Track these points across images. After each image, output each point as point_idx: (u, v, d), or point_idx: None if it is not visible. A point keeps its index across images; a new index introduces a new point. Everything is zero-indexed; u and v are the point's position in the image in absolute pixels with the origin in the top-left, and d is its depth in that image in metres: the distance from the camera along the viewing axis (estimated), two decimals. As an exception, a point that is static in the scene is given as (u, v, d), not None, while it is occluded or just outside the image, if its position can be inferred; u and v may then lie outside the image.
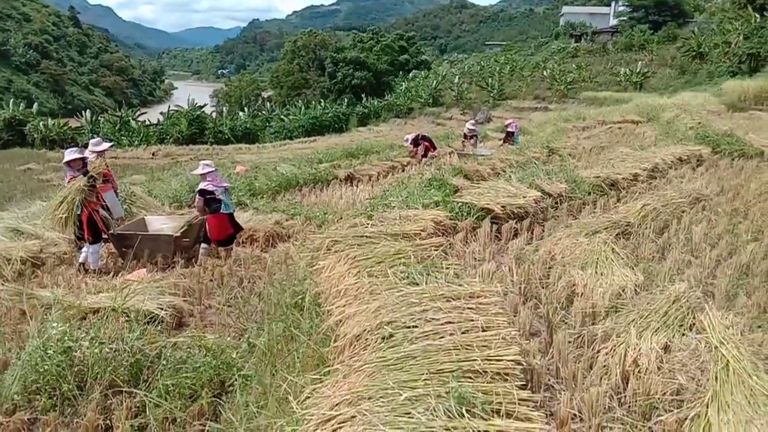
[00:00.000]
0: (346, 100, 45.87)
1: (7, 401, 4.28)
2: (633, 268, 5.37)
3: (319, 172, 13.48)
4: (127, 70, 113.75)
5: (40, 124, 33.72)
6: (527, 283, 5.37)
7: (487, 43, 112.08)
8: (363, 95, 48.97)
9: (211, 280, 6.92)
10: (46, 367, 4.31)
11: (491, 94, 41.63)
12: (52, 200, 7.79)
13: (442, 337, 3.41)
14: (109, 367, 4.41)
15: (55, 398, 4.30)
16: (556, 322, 4.60)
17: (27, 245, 7.89)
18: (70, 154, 7.76)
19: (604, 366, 3.94)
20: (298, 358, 4.04)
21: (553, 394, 3.74)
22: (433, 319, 3.57)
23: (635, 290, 4.92)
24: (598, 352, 4.10)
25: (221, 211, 7.70)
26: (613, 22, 61.32)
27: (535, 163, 10.60)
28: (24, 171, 21.46)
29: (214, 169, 7.80)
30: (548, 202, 8.00)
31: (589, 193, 8.72)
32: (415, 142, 16.07)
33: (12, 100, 39.87)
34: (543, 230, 7.11)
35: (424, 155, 15.70)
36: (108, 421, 4.12)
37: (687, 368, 3.62)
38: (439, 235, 5.92)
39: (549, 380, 3.88)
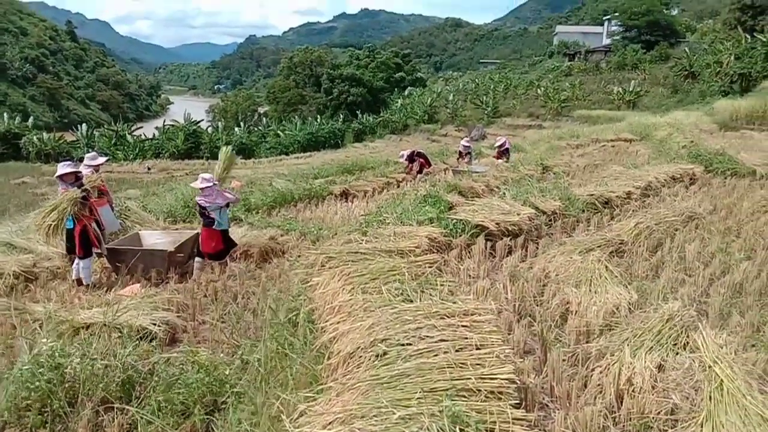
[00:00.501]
0: (341, 116, 46.13)
1: (-2, 417, 4.22)
2: (627, 287, 5.38)
3: (315, 188, 13.47)
4: (124, 84, 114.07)
5: (36, 137, 33.71)
6: (521, 300, 5.36)
7: (481, 61, 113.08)
8: (359, 112, 49.24)
9: (205, 296, 6.88)
10: (36, 383, 4.26)
11: (486, 112, 41.93)
12: (42, 209, 7.72)
13: (436, 355, 3.40)
14: (101, 383, 4.36)
15: (45, 415, 4.24)
16: (550, 340, 4.59)
17: (20, 259, 7.85)
18: (63, 167, 7.72)
19: (599, 385, 3.93)
20: (291, 375, 4.01)
21: (548, 413, 3.73)
22: (427, 336, 3.55)
23: (629, 308, 4.92)
24: (593, 370, 4.09)
25: (214, 227, 7.69)
26: (606, 41, 62.03)
27: (530, 181, 10.66)
28: (19, 184, 21.40)
29: (212, 184, 7.75)
30: (542, 220, 8.02)
31: (583, 211, 8.75)
32: (410, 158, 16.14)
33: (7, 113, 39.91)
34: (537, 247, 7.12)
35: (419, 171, 15.76)
36: (99, 438, 4.08)
37: (681, 387, 3.62)
38: (433, 252, 5.92)
39: (543, 399, 3.86)
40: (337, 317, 4.33)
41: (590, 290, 5.31)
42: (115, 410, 4.24)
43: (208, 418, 4.12)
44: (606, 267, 5.76)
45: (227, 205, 7.91)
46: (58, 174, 7.69)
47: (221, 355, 4.91)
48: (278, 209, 12.01)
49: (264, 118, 50.76)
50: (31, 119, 39.80)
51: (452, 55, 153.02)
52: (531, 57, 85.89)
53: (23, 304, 6.39)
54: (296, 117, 46.46)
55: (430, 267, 5.10)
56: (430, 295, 4.29)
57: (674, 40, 50.62)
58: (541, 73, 55.74)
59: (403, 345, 3.50)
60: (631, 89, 37.82)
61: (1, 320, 6.09)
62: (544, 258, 6.39)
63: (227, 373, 4.43)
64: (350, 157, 23.49)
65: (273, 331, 4.79)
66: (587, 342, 4.56)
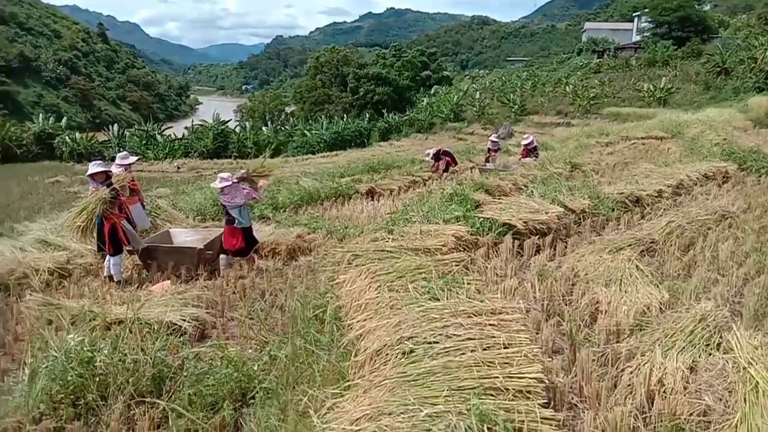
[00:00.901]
0: (367, 115, 46.13)
1: (34, 410, 4.33)
2: (658, 286, 5.29)
3: (341, 187, 13.52)
4: (154, 85, 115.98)
5: (69, 137, 34.46)
6: (550, 299, 5.31)
7: (508, 59, 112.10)
8: (384, 111, 49.20)
9: (234, 293, 6.97)
10: (69, 377, 4.36)
11: (513, 110, 41.55)
12: (72, 209, 7.91)
13: (463, 354, 3.38)
14: (132, 377, 4.45)
15: (79, 407, 4.35)
16: (579, 339, 4.54)
17: (55, 256, 8.04)
18: (94, 167, 7.89)
19: (629, 385, 3.87)
20: (318, 372, 4.04)
21: (576, 413, 3.68)
22: (454, 335, 3.54)
23: (660, 308, 4.84)
24: (623, 370, 4.03)
25: (235, 224, 7.77)
26: (635, 38, 60.97)
27: (558, 179, 10.53)
28: (52, 183, 21.89)
29: (230, 183, 7.77)
30: (571, 218, 7.92)
31: (613, 210, 8.62)
32: (437, 156, 16.08)
33: (42, 114, 40.86)
34: (566, 246, 7.04)
35: (445, 170, 15.69)
36: (131, 431, 4.16)
37: (714, 389, 3.54)
38: (460, 251, 5.89)
39: (572, 399, 3.82)
40: (364, 314, 4.35)
41: (620, 290, 5.23)
42: (146, 404, 4.33)
43: (236, 413, 4.17)
44: (636, 266, 5.67)
45: (247, 204, 7.97)
46: (89, 173, 7.88)
47: (249, 350, 4.97)
48: (305, 207, 12.09)
49: (291, 118, 51.06)
50: (64, 120, 40.71)
51: (479, 53, 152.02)
52: (559, 54, 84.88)
53: (57, 300, 6.56)
54: (322, 116, 46.64)
55: (456, 265, 5.09)
56: (457, 293, 4.28)
57: (706, 36, 49.50)
58: (569, 71, 55.06)
59: (429, 343, 3.50)
60: (661, 86, 37.08)
61: (37, 315, 6.25)
62: (573, 257, 6.31)
63: (255, 368, 4.48)
64: (376, 156, 23.50)
65: (300, 327, 4.83)
66: (617, 342, 4.50)
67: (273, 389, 4.16)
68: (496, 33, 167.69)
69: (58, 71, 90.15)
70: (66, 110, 72.87)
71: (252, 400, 4.24)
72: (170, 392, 4.45)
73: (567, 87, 42.83)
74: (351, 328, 4.28)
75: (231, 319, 6.29)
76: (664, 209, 8.73)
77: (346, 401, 3.16)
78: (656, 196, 9.50)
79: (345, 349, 4.15)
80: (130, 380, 4.41)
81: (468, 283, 4.52)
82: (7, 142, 33.16)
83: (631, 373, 3.94)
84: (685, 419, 3.42)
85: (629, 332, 4.59)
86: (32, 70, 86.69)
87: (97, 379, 4.39)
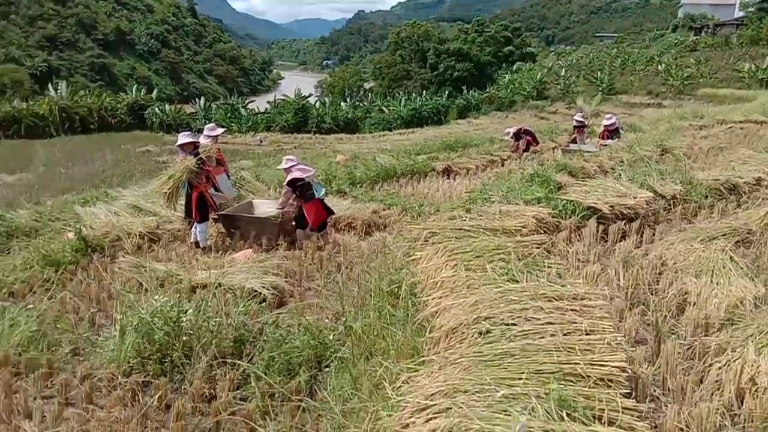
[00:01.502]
0: (446, 92, 45.57)
1: (125, 363, 4.64)
2: (753, 279, 4.96)
3: (417, 164, 13.53)
4: (239, 59, 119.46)
5: (158, 109, 36.17)
6: (635, 288, 5.10)
7: (597, 34, 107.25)
8: (464, 87, 48.44)
9: (311, 264, 7.15)
10: (156, 336, 4.63)
11: (600, 88, 39.86)
12: (160, 176, 8.33)
13: (542, 337, 3.32)
14: (215, 339, 4.68)
15: (165, 365, 4.62)
16: (664, 330, 4.34)
17: (145, 221, 8.51)
18: (184, 137, 8.25)
19: (717, 381, 3.67)
20: (393, 345, 4.08)
21: (659, 406, 3.55)
22: (533, 318, 3.48)
23: (755, 303, 4.54)
24: (710, 366, 3.83)
25: (315, 197, 7.92)
26: (738, 13, 56.63)
27: (647, 162, 10.04)
28: (143, 152, 23.13)
29: (296, 162, 8.06)
30: (660, 204, 7.55)
31: (706, 197, 8.13)
32: (517, 135, 15.71)
33: (135, 86, 43.09)
34: (654, 233, 6.73)
35: (526, 150, 15.32)
36: (212, 391, 4.38)
37: (815, 392, 3.31)
38: (541, 233, 5.75)
39: (654, 391, 3.68)
40: (440, 292, 4.33)
41: (711, 281, 4.95)
42: (227, 365, 4.54)
43: (312, 380, 4.31)
44: (731, 257, 5.34)
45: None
46: (178, 143, 8.24)
47: (326, 320, 5.10)
48: (381, 184, 12.18)
49: (369, 94, 51.28)
50: (155, 92, 42.74)
51: (565, 29, 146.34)
52: (652, 30, 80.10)
53: (147, 262, 6.96)
54: (401, 92, 46.54)
55: (537, 248, 4.97)
56: (537, 276, 4.19)
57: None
58: (662, 48, 51.95)
59: (507, 325, 3.45)
60: (765, 66, 34.40)
61: (129, 276, 6.67)
62: (662, 245, 6.02)
63: (331, 337, 4.59)
64: (453, 134, 23.26)
65: (376, 301, 4.90)
66: (705, 335, 4.27)
67: (347, 359, 4.25)
68: (585, 7, 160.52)
69: (150, 45, 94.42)
70: (156, 82, 76.43)
71: (326, 368, 4.35)
72: (250, 355, 4.64)
73: (659, 66, 40.58)
74: (426, 305, 4.27)
75: (308, 288, 6.47)
76: (763, 198, 8.14)
77: (421, 376, 3.18)
78: (754, 184, 8.85)
79: (420, 325, 4.16)
80: (213, 341, 4.64)
81: (549, 267, 4.41)
82: (102, 113, 35.22)
83: (720, 368, 3.74)
84: (779, 421, 3.22)
85: (719, 326, 4.35)
86: (126, 43, 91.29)
87: (183, 338, 4.64)
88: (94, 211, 9.02)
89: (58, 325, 5.45)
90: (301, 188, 7.87)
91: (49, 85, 39.37)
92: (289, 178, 7.91)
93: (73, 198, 11.24)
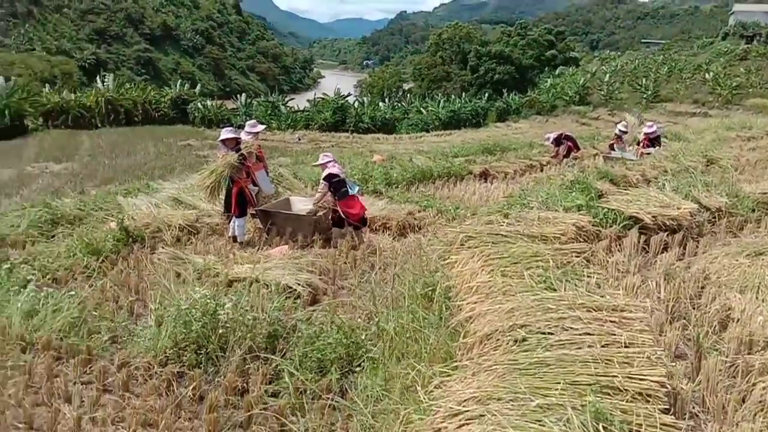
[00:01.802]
0: (486, 94, 45.19)
1: (161, 353, 4.74)
2: (802, 298, 4.78)
3: (454, 167, 13.48)
4: (281, 57, 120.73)
5: (201, 104, 36.77)
6: (676, 301, 4.97)
7: (643, 41, 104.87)
8: (504, 90, 47.96)
9: (345, 263, 7.18)
10: (193, 327, 4.71)
11: (644, 96, 38.99)
12: (203, 170, 8.48)
13: (580, 348, 3.26)
14: (250, 333, 4.74)
15: (200, 356, 4.70)
16: (706, 346, 4.22)
17: (185, 214, 8.68)
18: (226, 133, 8.37)
19: (760, 401, 3.54)
20: (425, 349, 4.07)
21: (698, 424, 3.44)
22: (570, 328, 3.42)
23: (803, 322, 4.37)
24: (754, 385, 3.70)
25: (350, 193, 7.97)
26: (795, 21, 54.66)
27: (692, 173, 9.78)
28: (184, 146, 23.53)
29: (332, 159, 8.19)
30: (705, 217, 7.34)
31: (753, 210, 7.87)
32: (557, 141, 15.50)
33: (179, 80, 43.93)
34: (697, 246, 6.55)
35: (566, 155, 15.09)
36: (245, 384, 4.43)
37: None
38: (580, 241, 5.65)
39: (694, 408, 3.57)
40: (475, 297, 4.29)
41: (757, 297, 4.79)
42: (261, 360, 4.59)
43: (343, 378, 4.32)
44: (779, 274, 5.16)
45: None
46: (221, 138, 8.37)
47: (358, 320, 5.11)
48: (417, 185, 12.18)
49: (408, 95, 51.21)
50: (198, 87, 43.36)
51: (611, 34, 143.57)
52: (701, 38, 77.89)
53: (186, 255, 7.09)
54: (440, 94, 46.34)
55: (576, 256, 4.89)
56: (576, 285, 4.12)
57: None
58: (711, 56, 50.44)
59: (544, 333, 3.41)
60: (820, 77, 33.14)
61: (168, 267, 6.79)
62: (705, 258, 5.85)
63: (363, 337, 4.60)
64: (492, 137, 23.11)
65: (409, 303, 4.89)
66: (749, 353, 4.13)
67: (379, 359, 4.25)
68: (632, 13, 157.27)
69: (194, 40, 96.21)
70: (200, 78, 77.66)
71: (358, 368, 4.37)
72: (283, 351, 4.69)
73: (707, 74, 39.43)
74: (460, 310, 4.24)
75: (341, 287, 6.50)
76: (815, 214, 7.85)
77: (454, 381, 3.16)
78: (806, 199, 8.54)
79: (453, 329, 4.13)
80: (248, 336, 4.70)
81: (588, 276, 4.34)
82: (147, 106, 35.98)
83: (764, 389, 3.62)
84: (828, 449, 3.09)
85: (764, 344, 4.20)
86: (172, 38, 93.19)
87: (219, 331, 4.71)
88: (135, 203, 9.24)
89: (97, 313, 5.60)
90: (336, 184, 7.95)
91: (97, 77, 40.50)
92: (325, 173, 7.99)
93: (116, 189, 11.54)
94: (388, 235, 8.56)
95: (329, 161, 8.08)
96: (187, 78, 59.69)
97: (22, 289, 5.73)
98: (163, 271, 6.68)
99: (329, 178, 7.94)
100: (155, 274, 6.61)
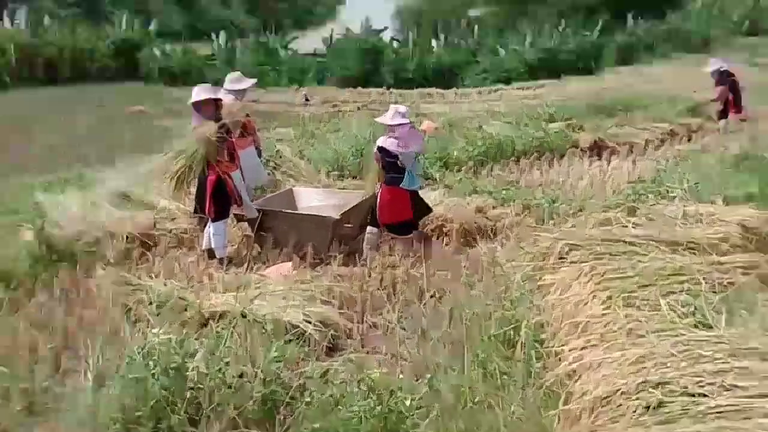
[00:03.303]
0: (600, 22, 44.77)
1: (103, 430, 4.81)
2: None
3: (549, 136, 13.44)
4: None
5: (159, 49, 37.23)
6: None
7: None
8: (629, 15, 47.43)
9: (380, 288, 7.20)
10: (150, 388, 4.77)
11: None
12: (166, 152, 8.51)
13: (749, 419, 3.23)
14: (233, 397, 4.77)
15: None
16: None
17: (137, 217, 8.77)
18: (200, 93, 8.30)
19: None
20: (505, 420, 4.07)
21: None
22: (735, 386, 3.38)
23: None
24: None
25: (401, 185, 7.95)
26: None
27: None
28: (135, 115, 23.86)
29: (408, 121, 8.11)
30: None
31: None
32: (721, 79, 14.80)
33: (125, 15, 43.98)
34: None
35: (723, 115, 14.73)
36: (228, 478, 4.48)
37: None
38: (751, 250, 5.58)
39: None
40: (582, 340, 4.34)
41: None
42: (251, 437, 4.63)
43: (377, 469, 4.33)
44: None
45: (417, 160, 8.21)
46: (192, 100, 8.33)
47: (400, 375, 5.11)
48: (490, 166, 12.18)
49: (476, 27, 51.12)
50: (153, 23, 43.80)
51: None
52: None
53: (138, 278, 7.18)
54: (526, 24, 46.12)
55: (744, 273, 4.83)
56: (745, 320, 4.08)
57: None
58: None
59: (693, 395, 3.39)
60: None
61: (112, 298, 6.87)
62: None
63: (408, 403, 4.59)
64: (609, 90, 22.84)
65: (479, 349, 4.87)
66: None
67: (433, 438, 4.26)
68: None
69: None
70: (156, 10, 79.09)
71: (401, 452, 4.38)
72: (284, 425, 4.71)
73: None
74: (560, 359, 4.28)
75: (374, 325, 6.51)
76: None
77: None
78: None
79: (549, 390, 4.16)
80: (231, 402, 4.73)
81: (764, 305, 4.28)
82: (78, 55, 36.51)
83: None
84: None
85: None
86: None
87: (187, 395, 4.76)
88: (62, 201, 9.38)
89: (6, 369, 5.69)
90: (391, 164, 8.01)
91: (3, 12, 41.12)
92: (379, 142, 8.18)
93: (33, 181, 11.72)
94: (446, 244, 8.55)
95: (399, 124, 8.06)
96: (138, 11, 60.68)
97: None
98: (105, 304, 6.77)
99: (381, 150, 8.07)
100: (93, 309, 6.71)
